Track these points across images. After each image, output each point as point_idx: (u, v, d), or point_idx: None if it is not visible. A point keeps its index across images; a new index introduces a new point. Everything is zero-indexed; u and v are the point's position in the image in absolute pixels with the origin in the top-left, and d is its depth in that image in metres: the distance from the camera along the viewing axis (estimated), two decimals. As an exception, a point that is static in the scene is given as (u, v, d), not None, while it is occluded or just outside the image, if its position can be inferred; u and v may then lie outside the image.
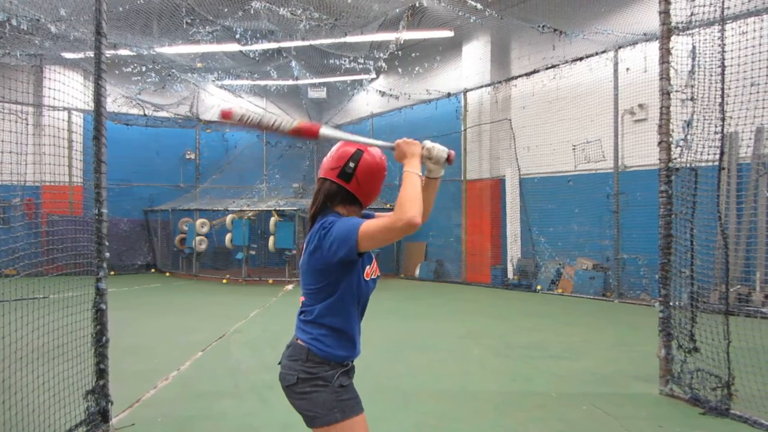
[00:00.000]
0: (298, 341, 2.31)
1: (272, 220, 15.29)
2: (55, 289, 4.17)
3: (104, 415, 4.23)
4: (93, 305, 4.18)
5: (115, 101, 16.00)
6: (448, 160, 2.35)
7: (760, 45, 4.85)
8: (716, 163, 5.00)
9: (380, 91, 17.47)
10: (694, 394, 4.89)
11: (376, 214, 2.55)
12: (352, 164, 2.29)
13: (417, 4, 11.96)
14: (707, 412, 4.67)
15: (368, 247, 2.15)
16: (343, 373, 2.28)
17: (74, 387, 4.06)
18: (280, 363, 2.37)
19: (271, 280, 14.96)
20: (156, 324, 9.29)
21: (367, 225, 2.11)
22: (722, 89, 4.85)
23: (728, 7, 4.88)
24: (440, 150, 2.33)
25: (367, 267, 2.35)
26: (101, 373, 4.21)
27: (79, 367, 4.12)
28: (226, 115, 2.24)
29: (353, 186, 2.30)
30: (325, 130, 2.28)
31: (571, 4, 11.47)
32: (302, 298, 2.39)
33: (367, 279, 2.35)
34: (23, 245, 4.24)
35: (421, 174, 2.21)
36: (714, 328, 4.86)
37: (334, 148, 2.38)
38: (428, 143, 2.33)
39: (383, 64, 15.21)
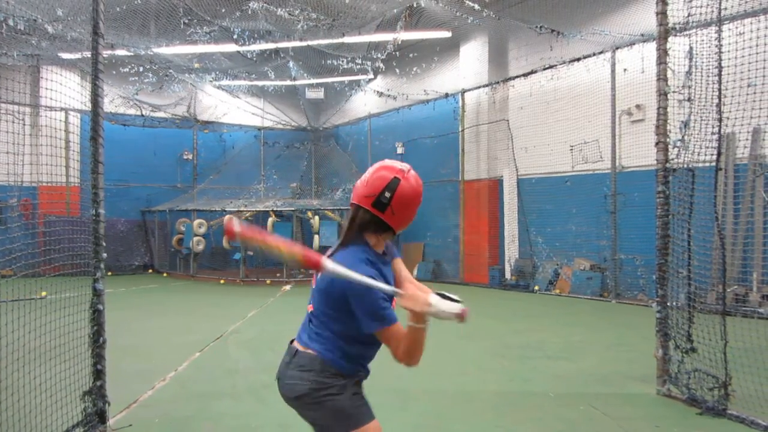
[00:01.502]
0: (308, 351, 2.23)
1: (270, 220, 15.28)
2: (52, 290, 4.16)
3: (101, 416, 4.22)
4: (90, 306, 4.17)
5: (113, 101, 15.96)
6: (461, 318, 1.99)
7: (756, 46, 4.85)
8: (713, 164, 5.00)
9: (378, 92, 17.47)
10: (692, 395, 4.90)
11: (398, 262, 2.47)
12: (387, 194, 2.15)
13: (414, 5, 11.96)
14: (704, 412, 4.67)
15: (377, 337, 2.12)
16: (355, 383, 2.25)
17: (71, 388, 4.05)
18: (278, 377, 2.29)
19: (268, 281, 14.95)
20: (153, 324, 9.27)
21: (395, 332, 2.07)
22: (719, 90, 4.86)
23: (725, 8, 4.89)
24: (449, 312, 1.97)
25: None
26: (98, 373, 4.19)
27: (76, 367, 4.11)
28: (229, 233, 2.02)
29: (387, 216, 2.18)
30: (328, 264, 2.04)
31: (569, 5, 11.49)
32: (311, 307, 2.30)
33: None
34: (20, 246, 4.23)
35: (425, 326, 2.03)
36: (711, 328, 4.86)
37: (369, 172, 2.23)
38: (434, 300, 1.99)
39: (381, 65, 15.22)
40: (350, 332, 2.19)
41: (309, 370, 2.18)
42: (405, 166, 2.23)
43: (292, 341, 2.34)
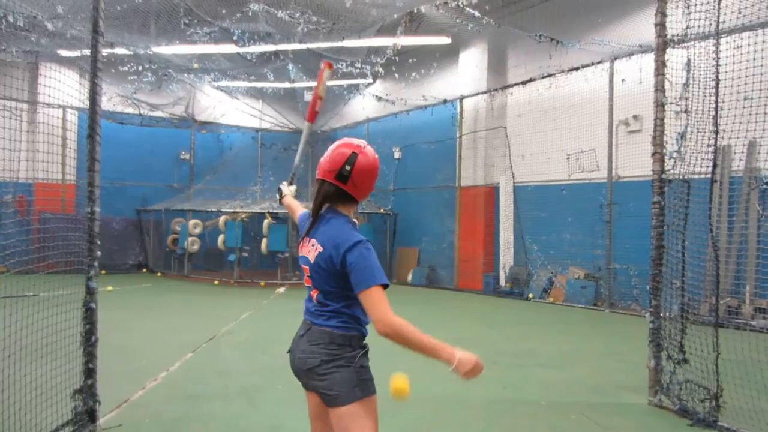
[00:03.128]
0: (319, 328, 2.41)
1: (265, 222, 15.26)
2: (45, 287, 4.14)
3: (91, 415, 4.20)
4: (83, 304, 4.16)
5: (111, 100, 15.95)
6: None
7: (754, 60, 4.88)
8: (709, 176, 5.02)
9: (377, 96, 17.47)
10: (683, 405, 4.91)
11: None
12: (348, 167, 2.40)
13: (415, 11, 11.99)
14: (695, 423, 4.68)
15: (361, 301, 2.31)
16: (363, 355, 2.41)
17: (62, 386, 4.03)
18: (289, 351, 2.52)
19: (262, 283, 14.92)
20: (146, 324, 9.24)
21: (382, 294, 2.28)
22: (716, 102, 4.88)
23: (723, 22, 4.92)
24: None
25: None
26: (89, 372, 4.18)
27: (67, 366, 4.10)
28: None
29: (350, 187, 2.43)
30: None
31: (568, 15, 11.54)
32: (315, 293, 2.47)
33: None
34: (14, 242, 4.21)
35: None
36: (703, 339, 4.87)
37: (330, 149, 2.48)
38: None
39: (380, 69, 15.23)
40: (350, 297, 2.38)
41: (318, 344, 2.38)
42: (362, 142, 2.49)
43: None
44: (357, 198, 2.48)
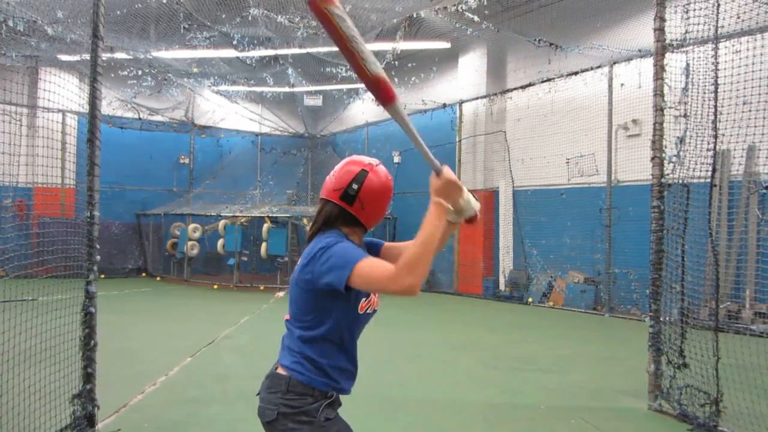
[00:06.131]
0: (279, 370, 2.11)
1: (265, 226, 15.26)
2: (44, 292, 4.14)
3: (90, 420, 4.19)
4: (82, 308, 4.16)
5: (110, 104, 15.96)
6: (474, 219, 2.20)
7: (752, 64, 4.90)
8: (708, 180, 5.03)
9: (376, 100, 17.47)
10: (683, 410, 4.90)
11: (387, 244, 2.37)
12: (355, 186, 2.09)
13: (414, 15, 12.01)
14: (695, 428, 4.67)
15: (358, 287, 1.94)
16: (327, 405, 2.07)
17: (61, 390, 4.03)
18: (258, 394, 2.16)
19: (262, 287, 14.91)
20: (145, 328, 9.23)
21: (367, 265, 1.90)
22: (715, 107, 4.89)
23: (722, 26, 4.93)
24: (474, 205, 2.16)
25: (363, 300, 2.13)
26: (88, 377, 4.18)
27: (66, 370, 4.09)
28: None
29: (356, 209, 2.10)
30: (398, 104, 1.99)
31: (567, 19, 11.56)
32: (287, 316, 2.19)
33: (361, 313, 2.14)
34: (13, 246, 4.21)
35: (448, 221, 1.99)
36: (703, 344, 4.87)
37: (337, 167, 2.18)
38: (467, 193, 2.14)
39: (379, 74, 15.21)
40: (315, 332, 2.08)
41: (275, 392, 2.06)
42: (374, 160, 2.20)
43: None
44: (364, 222, 2.15)
